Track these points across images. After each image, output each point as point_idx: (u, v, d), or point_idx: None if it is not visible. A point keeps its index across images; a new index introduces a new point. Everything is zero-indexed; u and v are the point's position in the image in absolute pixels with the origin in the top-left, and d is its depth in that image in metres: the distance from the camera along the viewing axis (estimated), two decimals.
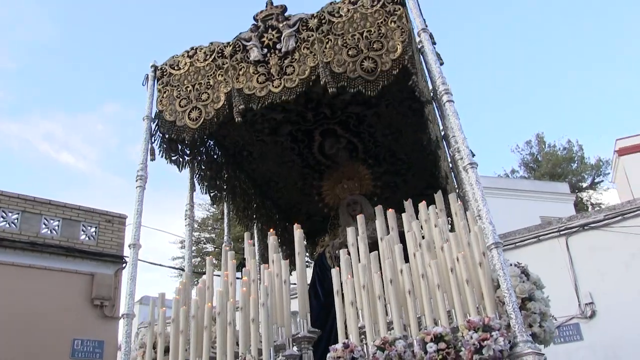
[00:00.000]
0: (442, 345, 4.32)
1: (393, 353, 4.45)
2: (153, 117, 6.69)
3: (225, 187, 8.00)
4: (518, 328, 4.31)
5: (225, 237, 7.86)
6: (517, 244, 14.62)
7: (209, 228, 31.09)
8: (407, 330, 4.69)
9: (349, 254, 5.32)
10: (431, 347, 4.35)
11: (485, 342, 4.18)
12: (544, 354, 4.32)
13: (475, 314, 4.47)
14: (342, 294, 5.04)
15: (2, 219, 11.58)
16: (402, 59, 5.92)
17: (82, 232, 12.83)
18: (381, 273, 4.98)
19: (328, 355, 4.71)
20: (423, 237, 5.30)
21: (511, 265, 4.97)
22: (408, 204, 5.76)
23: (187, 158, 7.19)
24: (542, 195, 26.00)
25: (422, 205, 5.60)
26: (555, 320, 4.94)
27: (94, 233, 12.89)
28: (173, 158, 6.96)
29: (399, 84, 6.15)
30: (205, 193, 7.74)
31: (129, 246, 5.94)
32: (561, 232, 14.50)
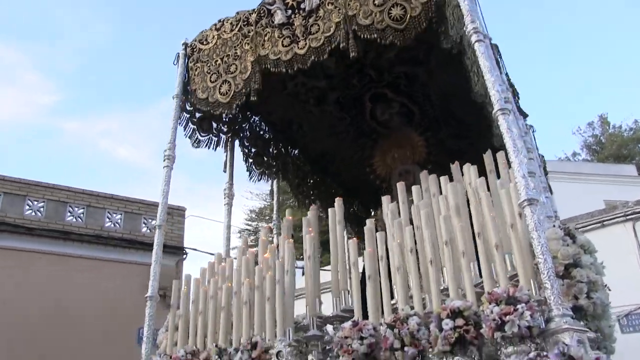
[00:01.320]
0: (460, 321, 3.67)
1: (404, 331, 3.86)
2: (186, 95, 6.49)
3: (274, 163, 7.66)
4: (554, 300, 3.56)
5: (274, 215, 7.56)
6: (579, 230, 13.21)
7: (267, 218, 31.18)
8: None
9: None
10: (447, 324, 3.70)
11: (507, 317, 3.48)
12: (586, 330, 3.53)
13: (507, 285, 3.76)
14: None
15: (69, 214, 12.11)
16: (432, 3, 5.25)
17: (144, 225, 13.14)
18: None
19: (336, 334, 4.21)
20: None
21: (553, 226, 4.17)
22: (455, 168, 5.10)
23: (223, 136, 6.93)
24: (606, 178, 24.04)
25: (466, 166, 4.91)
26: (610, 290, 4.07)
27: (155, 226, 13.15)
28: (204, 137, 6.73)
29: (440, 34, 5.47)
30: (253, 174, 7.44)
31: (156, 227, 5.77)
32: (627, 217, 13.61)
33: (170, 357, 4.91)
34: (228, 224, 6.48)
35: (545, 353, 3.30)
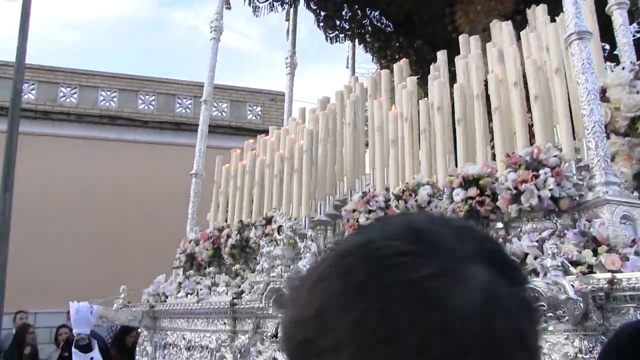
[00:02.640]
0: (473, 191, 2.96)
1: (410, 203, 3.23)
2: None
3: (348, 26, 6.92)
4: (597, 163, 2.70)
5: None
6: None
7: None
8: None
9: None
10: (457, 194, 3.02)
11: (523, 185, 2.70)
12: (638, 204, 2.66)
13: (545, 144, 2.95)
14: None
15: (178, 105, 12.26)
16: None
17: (249, 112, 13.01)
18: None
19: (343, 208, 3.70)
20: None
21: (616, 66, 3.16)
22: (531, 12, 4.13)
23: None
24: None
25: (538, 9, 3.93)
26: None
27: (259, 112, 13.03)
28: (262, 2, 6.16)
29: None
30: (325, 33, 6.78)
31: (201, 102, 5.48)
32: None
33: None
34: (290, 94, 6.01)
35: (565, 231, 2.52)
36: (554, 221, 2.75)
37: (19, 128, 10.15)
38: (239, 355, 3.79)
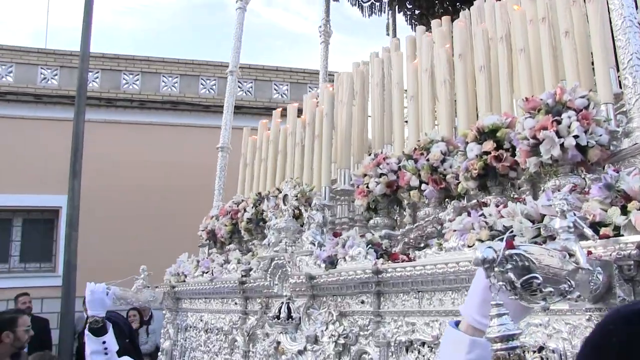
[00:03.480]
0: (489, 145, 2.46)
1: (421, 162, 2.77)
2: None
3: None
4: (634, 103, 2.15)
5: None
6: None
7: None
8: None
9: None
10: (472, 149, 2.52)
11: (542, 132, 2.18)
12: None
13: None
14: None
15: (239, 89, 12.00)
16: None
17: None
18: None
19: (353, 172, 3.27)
20: None
21: None
22: None
23: None
24: None
25: None
26: None
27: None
28: None
29: None
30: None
31: (228, 72, 5.18)
32: None
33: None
34: (325, 64, 5.61)
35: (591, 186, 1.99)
36: (583, 176, 2.22)
37: (85, 116, 10.42)
38: (247, 339, 3.47)
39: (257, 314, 3.40)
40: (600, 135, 2.16)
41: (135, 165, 10.84)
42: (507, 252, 1.43)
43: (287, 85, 12.53)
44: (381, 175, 2.98)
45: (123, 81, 11.43)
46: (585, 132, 2.15)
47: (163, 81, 11.67)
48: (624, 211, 1.80)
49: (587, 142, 2.14)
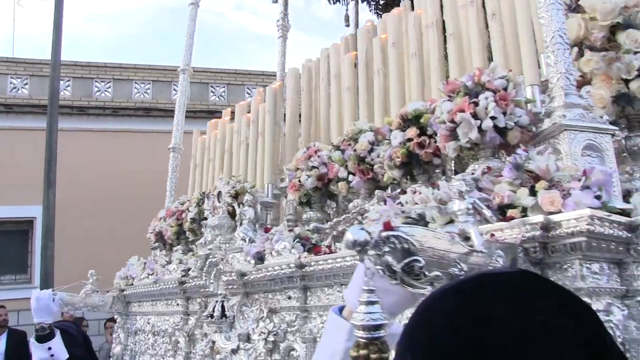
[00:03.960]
0: (412, 131, 2.32)
1: (348, 153, 2.62)
2: None
3: None
4: (556, 82, 2.01)
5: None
6: None
7: None
8: None
9: None
10: (395, 137, 2.38)
11: (458, 115, 2.04)
12: (608, 130, 1.95)
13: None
14: None
15: (212, 94, 11.76)
16: None
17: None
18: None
19: (285, 167, 3.12)
20: None
21: None
22: None
23: None
24: None
25: None
26: None
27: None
28: None
29: None
30: None
31: (179, 71, 5.01)
32: None
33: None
34: (282, 60, 5.44)
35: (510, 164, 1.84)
36: (504, 160, 2.08)
37: (57, 125, 10.19)
38: (187, 340, 3.30)
39: (197, 314, 3.24)
40: (520, 117, 2.02)
41: (109, 173, 10.60)
42: (383, 234, 1.29)
43: (261, 88, 12.30)
44: (312, 168, 2.83)
45: (95, 89, 11.19)
46: (504, 113, 2.02)
47: (135, 88, 11.44)
48: (533, 192, 1.66)
49: (506, 123, 2.01)
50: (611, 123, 2.26)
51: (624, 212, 1.83)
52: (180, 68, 4.94)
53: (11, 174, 10.21)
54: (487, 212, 1.54)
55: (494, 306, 0.73)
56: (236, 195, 3.23)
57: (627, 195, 1.94)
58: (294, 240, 2.50)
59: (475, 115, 2.03)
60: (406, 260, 1.30)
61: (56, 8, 10.27)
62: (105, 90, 11.20)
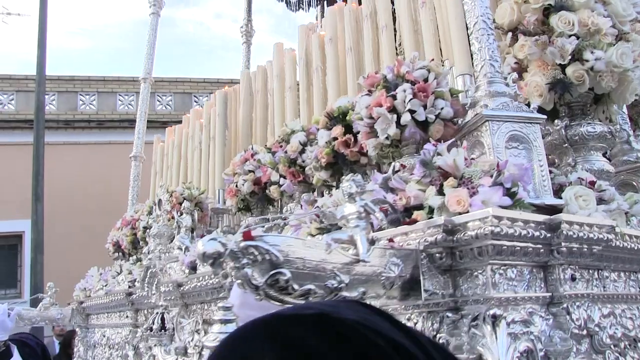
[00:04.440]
0: (338, 130, 2.11)
1: (279, 156, 2.42)
2: None
3: None
4: (480, 70, 1.81)
5: None
6: None
7: None
8: None
9: None
10: (322, 136, 2.17)
11: (375, 110, 1.83)
12: (535, 119, 1.73)
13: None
14: None
15: (196, 103, 11.47)
16: None
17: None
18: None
19: (224, 172, 2.91)
20: None
21: None
22: None
23: None
24: None
25: None
26: None
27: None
28: None
29: None
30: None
31: (141, 80, 4.81)
32: None
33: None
34: (247, 64, 5.24)
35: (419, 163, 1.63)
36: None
37: (44, 139, 9.98)
38: (134, 354, 3.09)
39: (144, 326, 3.03)
40: (442, 109, 1.82)
41: (96, 185, 10.37)
42: (241, 245, 1.09)
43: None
44: (249, 172, 2.62)
45: (80, 102, 10.98)
46: (425, 106, 1.81)
47: (119, 100, 11.23)
48: (442, 191, 1.45)
49: (427, 117, 1.80)
50: (550, 112, 2.08)
51: (554, 209, 1.64)
52: (141, 77, 4.75)
53: None
54: (379, 216, 1.32)
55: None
56: (183, 202, 3.04)
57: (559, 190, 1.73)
58: None
59: (394, 110, 1.82)
60: (271, 273, 1.10)
61: (40, 24, 10.10)
62: (90, 104, 10.99)
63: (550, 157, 2.12)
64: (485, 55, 1.81)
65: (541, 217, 1.37)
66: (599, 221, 1.53)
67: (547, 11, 2.02)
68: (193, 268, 2.45)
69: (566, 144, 2.05)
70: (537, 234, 1.36)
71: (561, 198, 1.65)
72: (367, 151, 2.04)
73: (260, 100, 3.68)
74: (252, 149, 2.75)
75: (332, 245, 1.17)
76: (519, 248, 1.35)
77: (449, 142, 1.53)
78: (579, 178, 1.75)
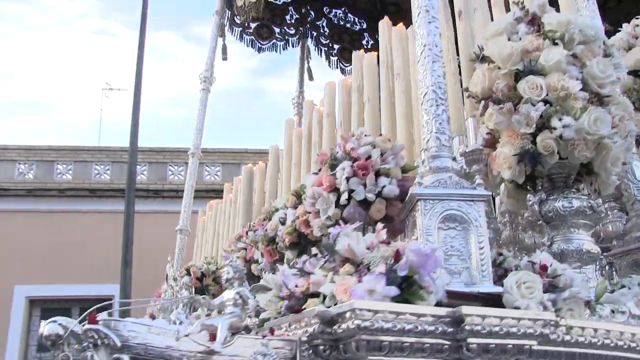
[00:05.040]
0: (301, 209, 2.12)
1: (258, 234, 2.45)
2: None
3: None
4: (427, 144, 1.77)
5: None
6: None
7: None
8: None
9: None
10: (289, 215, 2.19)
11: (314, 190, 1.82)
12: (483, 197, 1.64)
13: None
14: None
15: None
16: None
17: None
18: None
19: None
20: None
21: None
22: None
23: None
24: None
25: None
26: None
27: None
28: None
29: None
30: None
31: (189, 154, 5.09)
32: None
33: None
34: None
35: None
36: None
37: (134, 207, 10.73)
38: None
39: None
40: (384, 187, 1.78)
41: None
42: (84, 328, 1.15)
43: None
44: (241, 249, 2.68)
45: (169, 172, 11.76)
46: (365, 185, 1.78)
47: (206, 170, 11.89)
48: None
49: (366, 196, 1.77)
50: (523, 185, 1.96)
51: (493, 297, 1.52)
52: (190, 151, 5.02)
53: (92, 255, 10.77)
54: (252, 303, 1.31)
55: None
56: (202, 277, 3.14)
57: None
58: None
59: (337, 189, 1.81)
60: (112, 357, 1.15)
61: (135, 99, 11.07)
62: (179, 174, 11.73)
63: (521, 236, 1.99)
64: (432, 128, 1.77)
65: (430, 310, 1.28)
66: (532, 314, 1.40)
67: (518, 77, 1.95)
68: None
69: (540, 221, 1.90)
70: (431, 328, 1.27)
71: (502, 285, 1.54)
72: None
73: (273, 175, 3.72)
74: (249, 226, 2.81)
75: (179, 332, 1.19)
76: (407, 344, 1.26)
77: (356, 224, 1.49)
78: (529, 262, 1.62)
